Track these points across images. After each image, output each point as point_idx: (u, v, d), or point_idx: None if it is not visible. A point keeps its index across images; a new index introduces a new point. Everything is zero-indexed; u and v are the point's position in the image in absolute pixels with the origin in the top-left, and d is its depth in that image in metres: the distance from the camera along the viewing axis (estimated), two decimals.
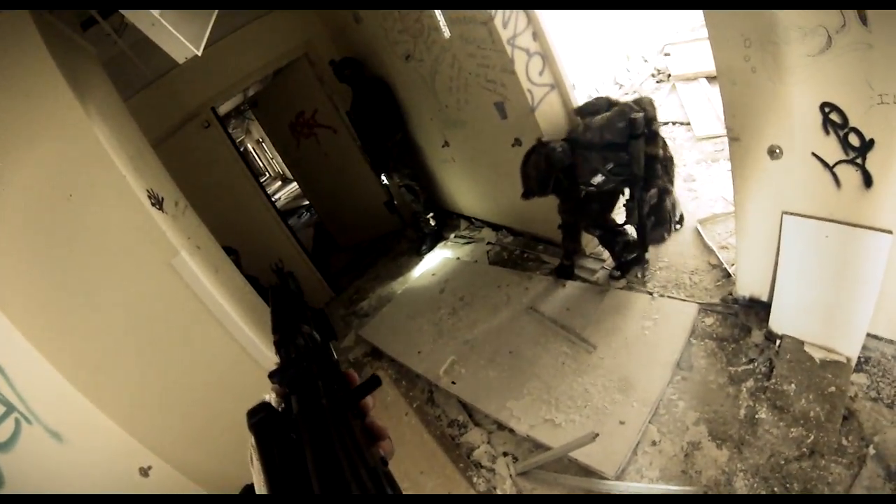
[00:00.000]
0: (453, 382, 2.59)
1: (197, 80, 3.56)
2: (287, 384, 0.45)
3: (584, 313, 2.59)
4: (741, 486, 1.72)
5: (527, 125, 2.46)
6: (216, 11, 1.80)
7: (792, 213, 1.76)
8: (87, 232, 2.09)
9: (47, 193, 1.99)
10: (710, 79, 3.24)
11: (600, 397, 2.15)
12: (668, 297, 2.42)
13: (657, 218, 2.48)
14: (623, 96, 2.59)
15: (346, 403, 0.42)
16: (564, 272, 2.86)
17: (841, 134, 1.51)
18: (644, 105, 2.18)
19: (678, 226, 2.67)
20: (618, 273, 2.65)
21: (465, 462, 2.26)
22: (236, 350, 2.38)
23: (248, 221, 3.89)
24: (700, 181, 2.82)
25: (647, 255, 2.61)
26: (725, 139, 2.92)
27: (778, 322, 2.01)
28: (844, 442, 1.71)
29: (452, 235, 3.99)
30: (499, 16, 2.17)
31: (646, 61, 3.89)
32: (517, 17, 2.19)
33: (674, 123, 3.21)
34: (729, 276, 2.34)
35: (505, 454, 2.22)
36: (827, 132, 1.53)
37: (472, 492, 2.14)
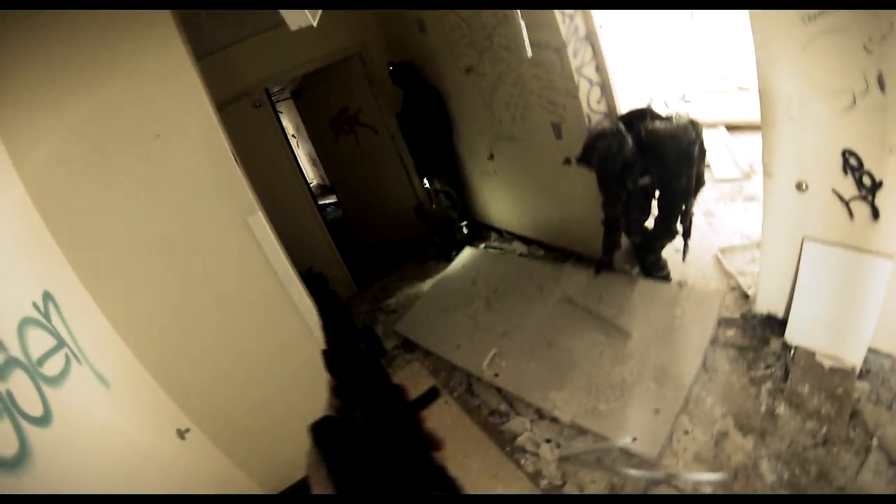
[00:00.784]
0: (496, 375, 2.80)
1: (253, 61, 3.77)
2: (348, 398, 0.46)
3: (616, 303, 2.81)
4: (766, 469, 1.99)
5: (580, 147, 2.80)
6: None
7: (812, 239, 2.13)
8: (167, 174, 2.01)
9: (134, 130, 1.92)
10: (730, 128, 3.72)
11: (637, 386, 2.40)
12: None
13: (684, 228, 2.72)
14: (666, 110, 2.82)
15: (408, 414, 0.45)
16: (604, 267, 3.02)
17: (857, 175, 1.90)
18: (698, 127, 2.46)
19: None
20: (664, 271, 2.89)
21: (511, 446, 2.46)
22: (297, 322, 2.33)
23: (286, 207, 3.96)
24: (719, 217, 3.21)
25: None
26: (742, 182, 3.39)
27: (793, 335, 2.33)
28: (852, 434, 2.01)
29: (483, 245, 4.26)
30: (570, 45, 2.52)
31: (667, 106, 4.38)
32: (585, 48, 2.55)
33: None
34: (747, 297, 2.69)
35: (548, 440, 2.43)
36: (846, 173, 1.92)
37: (518, 472, 2.33)
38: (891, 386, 2.12)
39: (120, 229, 2.02)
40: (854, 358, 2.15)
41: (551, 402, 2.52)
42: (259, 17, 3.60)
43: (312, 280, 3.77)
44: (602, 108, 2.71)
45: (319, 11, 1.93)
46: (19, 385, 1.44)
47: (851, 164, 1.89)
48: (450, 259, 4.25)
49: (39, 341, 1.60)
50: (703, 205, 3.28)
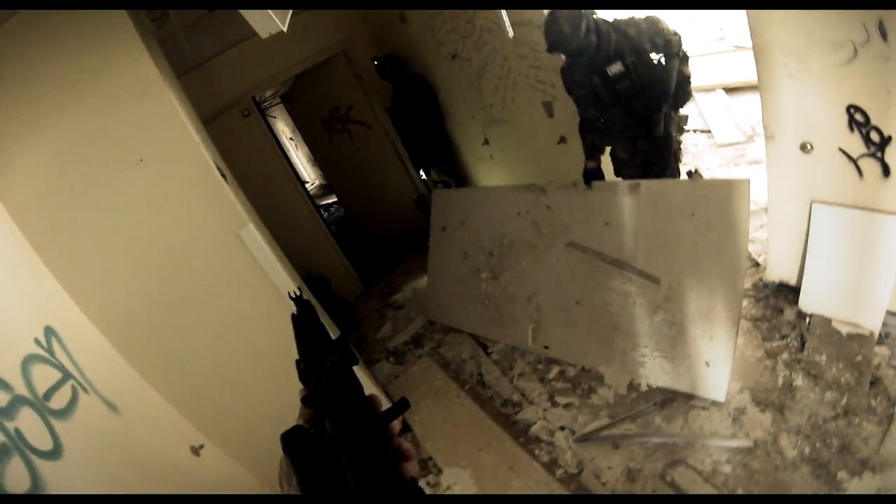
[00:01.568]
0: (546, 347, 2.73)
1: (237, 71, 3.74)
2: (318, 408, 0.47)
3: (626, 226, 2.42)
4: (786, 444, 1.93)
5: (573, 124, 2.72)
6: None
7: (820, 202, 2.03)
8: (155, 197, 2.03)
9: (115, 157, 1.93)
10: (728, 90, 3.57)
11: (682, 337, 2.24)
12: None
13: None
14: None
15: (377, 426, 0.45)
16: (593, 174, 2.56)
17: (864, 131, 1.79)
18: (678, 34, 2.21)
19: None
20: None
21: (525, 437, 2.44)
22: None
23: (285, 212, 3.94)
24: None
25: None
26: (745, 145, 3.26)
27: (807, 302, 2.25)
28: (873, 403, 1.94)
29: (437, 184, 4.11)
30: None
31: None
32: None
33: (695, 131, 3.53)
34: (757, 265, 2.60)
35: (562, 428, 2.41)
36: (852, 130, 1.81)
37: (534, 463, 2.32)
38: None
39: (114, 256, 2.04)
40: (872, 322, 2.06)
41: (604, 363, 2.44)
42: (238, 27, 3.53)
43: (313, 284, 3.78)
44: None
45: (289, 15, 1.87)
46: (27, 422, 1.47)
47: (857, 119, 1.78)
48: None
49: (44, 376, 1.63)
50: (707, 171, 3.17)
